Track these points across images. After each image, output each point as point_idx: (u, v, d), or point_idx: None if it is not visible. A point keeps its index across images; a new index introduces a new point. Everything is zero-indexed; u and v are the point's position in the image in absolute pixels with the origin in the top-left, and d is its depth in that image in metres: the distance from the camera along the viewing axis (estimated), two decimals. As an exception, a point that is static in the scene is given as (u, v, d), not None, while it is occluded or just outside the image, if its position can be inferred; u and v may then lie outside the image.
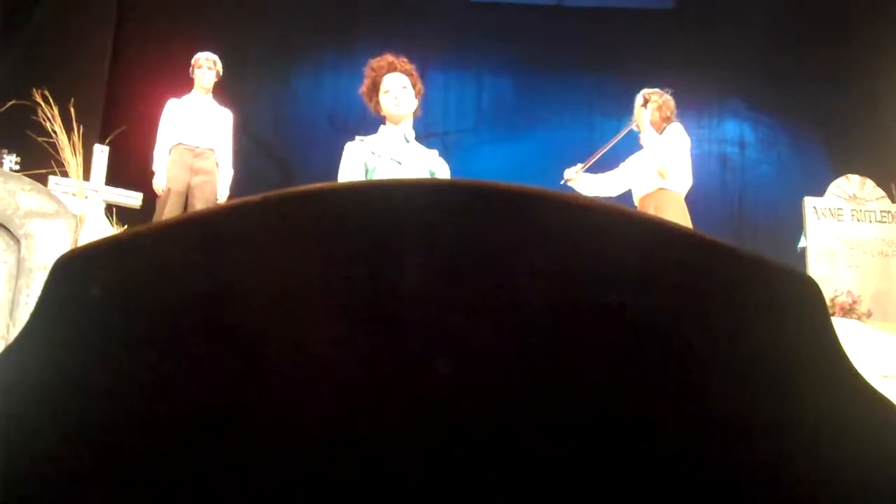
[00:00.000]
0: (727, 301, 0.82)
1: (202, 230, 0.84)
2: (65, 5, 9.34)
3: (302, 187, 0.84)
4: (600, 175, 6.24)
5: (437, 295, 0.82)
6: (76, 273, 0.83)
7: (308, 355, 0.83)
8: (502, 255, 0.82)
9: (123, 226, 5.52)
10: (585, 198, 0.84)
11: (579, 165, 6.15)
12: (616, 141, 6.28)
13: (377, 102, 4.40)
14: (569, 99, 10.50)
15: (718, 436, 0.82)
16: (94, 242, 0.85)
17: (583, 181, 6.14)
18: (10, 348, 0.84)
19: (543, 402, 0.82)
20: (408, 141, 4.34)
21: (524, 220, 0.82)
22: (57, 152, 5.37)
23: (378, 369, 0.83)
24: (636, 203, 6.01)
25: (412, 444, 0.83)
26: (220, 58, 7.36)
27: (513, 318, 0.81)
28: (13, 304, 4.54)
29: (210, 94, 7.27)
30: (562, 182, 6.09)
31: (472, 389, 0.82)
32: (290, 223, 0.83)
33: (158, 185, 6.94)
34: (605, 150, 6.22)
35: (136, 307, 0.83)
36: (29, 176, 5.38)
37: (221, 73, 7.32)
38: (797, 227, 6.96)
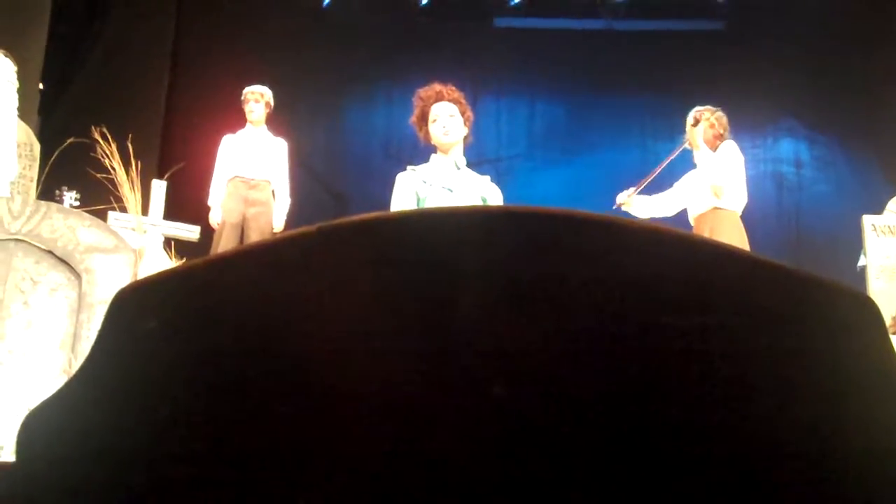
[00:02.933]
0: (786, 323, 0.81)
1: (257, 262, 0.85)
2: (121, 44, 9.52)
3: (355, 217, 0.85)
4: (654, 196, 6.20)
5: (492, 321, 0.82)
6: (133, 307, 0.85)
7: (365, 385, 0.83)
8: (555, 280, 0.82)
9: (182, 259, 5.57)
10: (637, 221, 0.83)
11: (632, 189, 6.11)
12: (668, 161, 6.23)
13: (426, 132, 4.41)
14: (621, 122, 10.45)
15: (773, 458, 0.81)
16: (151, 276, 0.86)
17: (637, 204, 6.09)
18: (71, 381, 0.86)
19: (595, 425, 0.81)
20: (458, 168, 4.34)
21: (576, 244, 0.82)
22: (116, 188, 5.45)
23: (435, 397, 0.82)
24: (691, 223, 5.96)
25: (471, 469, 0.83)
26: (274, 90, 7.43)
27: (565, 342, 0.81)
28: (75, 338, 4.61)
29: (263, 126, 7.35)
30: (615, 207, 6.05)
31: (528, 414, 0.82)
32: (345, 253, 0.84)
33: (214, 219, 7.03)
34: (657, 172, 6.17)
35: (193, 339, 0.84)
36: (89, 212, 5.46)
37: (272, 105, 7.39)
38: (856, 246, 6.84)
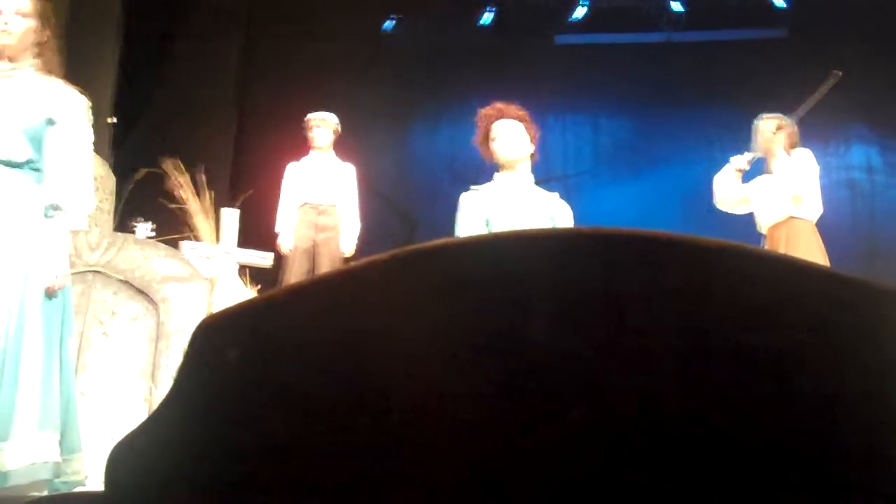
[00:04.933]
0: (867, 338, 0.80)
1: (332, 292, 0.87)
2: (188, 75, 9.69)
3: (427, 244, 0.85)
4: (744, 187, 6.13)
5: (567, 343, 0.83)
6: (215, 337, 0.87)
7: (441, 410, 0.84)
8: (631, 301, 0.81)
9: (257, 285, 5.65)
10: (715, 240, 0.82)
11: (747, 154, 6.05)
12: (754, 159, 6.13)
13: (490, 151, 4.40)
14: (686, 134, 10.34)
15: (861, 481, 0.80)
16: (231, 307, 0.88)
17: (739, 182, 6.05)
18: (156, 412, 0.88)
19: (679, 447, 0.81)
20: (525, 187, 4.33)
21: (652, 264, 0.81)
22: (189, 217, 5.54)
23: (511, 421, 0.83)
24: (763, 231, 5.86)
25: (550, 491, 0.83)
26: (340, 115, 7.49)
27: (643, 363, 0.81)
28: (154, 366, 4.70)
29: (331, 152, 7.41)
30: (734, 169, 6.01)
31: (606, 437, 0.82)
32: (418, 280, 0.85)
33: (284, 245, 7.10)
34: (755, 158, 6.07)
35: (274, 368, 0.86)
36: (164, 242, 5.57)
37: (339, 130, 7.45)
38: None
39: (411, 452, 0.85)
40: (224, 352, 0.85)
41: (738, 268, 0.80)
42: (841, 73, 5.96)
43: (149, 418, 0.89)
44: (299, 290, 0.90)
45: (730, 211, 6.13)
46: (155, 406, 4.41)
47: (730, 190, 6.07)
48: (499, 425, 0.83)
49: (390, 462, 0.85)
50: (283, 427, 0.84)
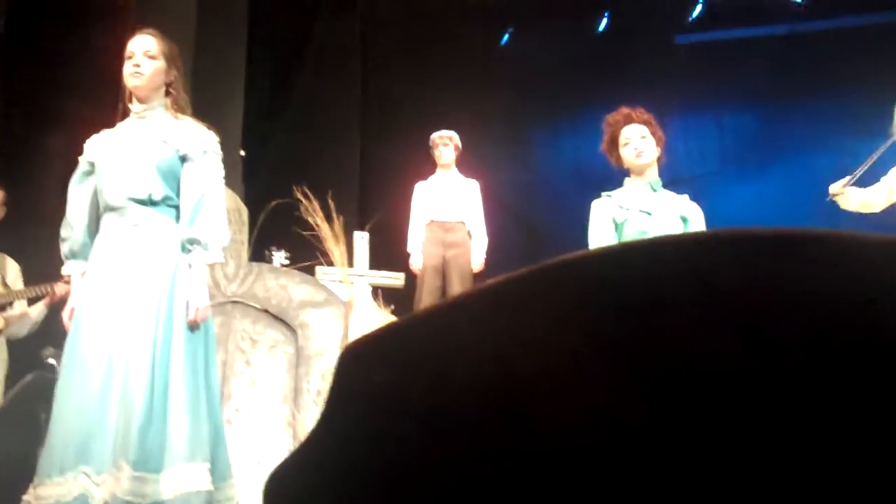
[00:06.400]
0: None
1: (470, 312, 0.87)
2: (312, 104, 9.90)
3: (561, 258, 0.85)
4: (863, 190, 5.92)
5: (711, 350, 0.81)
6: (359, 363, 0.88)
7: (584, 427, 0.83)
8: (777, 302, 0.79)
9: (390, 306, 5.72)
10: (861, 233, 0.79)
11: (846, 179, 5.84)
12: (881, 153, 5.92)
13: (618, 156, 4.37)
14: (813, 126, 10.08)
15: None
16: (374, 332, 0.89)
17: (849, 196, 5.83)
18: (308, 439, 0.89)
19: (836, 454, 0.78)
20: (655, 190, 4.28)
21: (796, 263, 0.79)
22: (321, 243, 5.64)
23: (655, 435, 0.81)
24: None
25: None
26: (461, 131, 7.55)
27: (797, 368, 0.79)
28: (296, 391, 4.79)
29: (454, 169, 7.46)
30: (828, 199, 5.80)
31: (753, 444, 0.80)
32: (555, 295, 0.84)
33: (415, 264, 7.18)
34: (871, 162, 5.88)
35: (418, 391, 0.86)
36: (298, 268, 5.69)
37: (461, 147, 7.49)
38: None
39: (559, 466, 0.84)
40: (370, 377, 0.86)
41: (889, 261, 0.77)
42: None
43: (300, 445, 0.90)
44: (439, 312, 0.90)
45: (870, 210, 5.90)
46: (299, 430, 4.49)
47: (868, 201, 5.85)
48: (643, 439, 0.82)
49: (539, 477, 0.84)
50: (433, 448, 0.85)
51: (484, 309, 0.86)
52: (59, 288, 5.14)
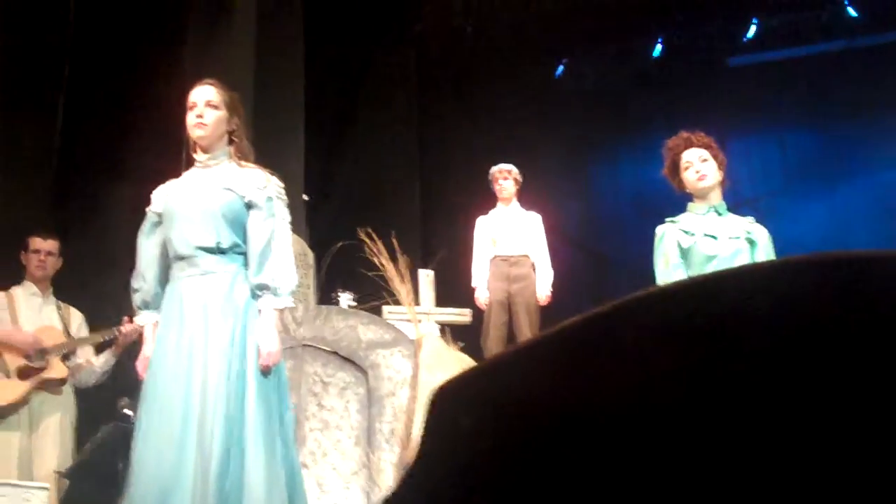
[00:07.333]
0: None
1: (553, 352, 0.86)
2: (371, 144, 9.99)
3: (643, 292, 0.84)
4: None
5: (797, 386, 0.80)
6: (448, 405, 0.88)
7: (678, 465, 0.82)
8: (856, 328, 0.78)
9: (458, 343, 5.71)
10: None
11: None
12: None
13: (680, 180, 4.34)
14: (876, 141, 9.94)
15: None
16: (463, 373, 0.89)
17: None
18: (401, 482, 0.90)
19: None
20: (720, 214, 4.25)
21: (871, 286, 0.78)
22: (386, 283, 5.67)
23: (743, 472, 0.80)
24: None
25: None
26: (519, 164, 7.55)
27: (869, 391, 0.77)
28: (369, 432, 4.80)
29: (515, 202, 7.46)
30: None
31: (848, 483, 0.78)
32: (638, 331, 0.84)
33: (481, 299, 7.17)
34: None
35: (503, 436, 0.86)
36: (365, 309, 5.72)
37: (521, 180, 7.49)
38: None
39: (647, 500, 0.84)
40: (457, 420, 0.86)
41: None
42: None
43: (394, 488, 0.91)
44: (523, 352, 0.90)
45: None
46: (373, 472, 4.49)
47: None
48: (732, 475, 0.81)
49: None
50: (526, 489, 0.84)
51: (565, 348, 0.86)
52: (125, 328, 5.13)
